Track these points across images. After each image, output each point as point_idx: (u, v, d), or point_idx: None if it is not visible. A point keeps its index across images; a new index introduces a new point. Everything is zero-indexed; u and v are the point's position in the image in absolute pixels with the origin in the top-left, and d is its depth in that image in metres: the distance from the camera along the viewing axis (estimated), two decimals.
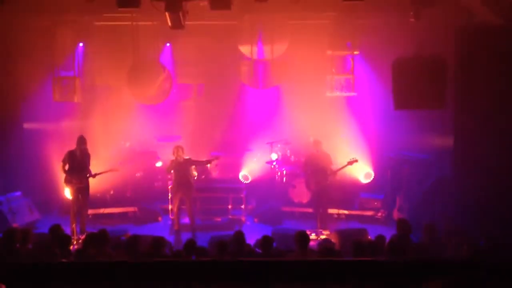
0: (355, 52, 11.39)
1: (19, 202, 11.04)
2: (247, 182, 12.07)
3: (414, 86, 9.31)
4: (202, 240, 8.71)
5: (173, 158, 10.43)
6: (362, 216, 11.44)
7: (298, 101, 12.17)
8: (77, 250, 7.61)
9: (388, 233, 7.93)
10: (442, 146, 10.52)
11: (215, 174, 12.57)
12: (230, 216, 11.39)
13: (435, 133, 10.71)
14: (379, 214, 11.39)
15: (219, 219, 11.37)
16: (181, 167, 10.36)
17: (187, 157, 10.46)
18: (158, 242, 7.03)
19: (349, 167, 10.40)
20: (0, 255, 6.76)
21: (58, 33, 11.24)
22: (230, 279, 2.20)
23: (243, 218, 11.41)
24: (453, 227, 8.04)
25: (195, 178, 11.04)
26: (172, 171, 10.48)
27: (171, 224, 10.90)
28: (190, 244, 6.93)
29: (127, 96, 11.77)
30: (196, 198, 11.21)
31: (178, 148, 10.41)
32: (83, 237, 9.34)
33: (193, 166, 10.83)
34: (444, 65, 9.39)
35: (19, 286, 2.17)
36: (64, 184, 10.21)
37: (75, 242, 9.41)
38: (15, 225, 10.03)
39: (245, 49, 11.69)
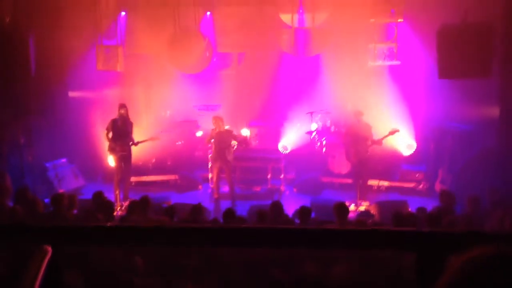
0: (399, 20, 11.05)
1: (65, 168, 11.38)
2: (286, 152, 12.05)
3: (459, 54, 8.99)
4: (242, 209, 8.80)
5: (213, 127, 10.49)
6: (403, 188, 11.28)
7: (339, 70, 11.96)
8: (121, 216, 7.83)
9: (430, 205, 7.83)
10: (486, 116, 10.20)
11: (254, 143, 12.59)
12: (269, 186, 11.44)
13: (479, 103, 10.37)
14: (421, 186, 11.21)
15: (258, 189, 11.45)
16: (221, 137, 10.41)
17: (227, 127, 10.50)
18: (197, 209, 7.15)
19: (391, 138, 10.25)
20: (47, 219, 7.00)
21: (101, 2, 11.38)
22: (266, 245, 2.21)
23: (282, 188, 11.44)
24: (498, 199, 7.85)
25: (235, 147, 11.09)
26: (212, 141, 10.55)
27: (211, 193, 11.04)
28: (229, 213, 7.01)
29: (168, 65, 11.84)
30: (236, 167, 11.29)
31: (217, 119, 10.46)
32: (126, 203, 9.55)
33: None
34: (491, 32, 9.02)
35: (64, 247, 2.24)
36: (108, 152, 10.41)
37: (118, 209, 9.66)
38: (61, 190, 10.32)
39: (285, 18, 11.54)
